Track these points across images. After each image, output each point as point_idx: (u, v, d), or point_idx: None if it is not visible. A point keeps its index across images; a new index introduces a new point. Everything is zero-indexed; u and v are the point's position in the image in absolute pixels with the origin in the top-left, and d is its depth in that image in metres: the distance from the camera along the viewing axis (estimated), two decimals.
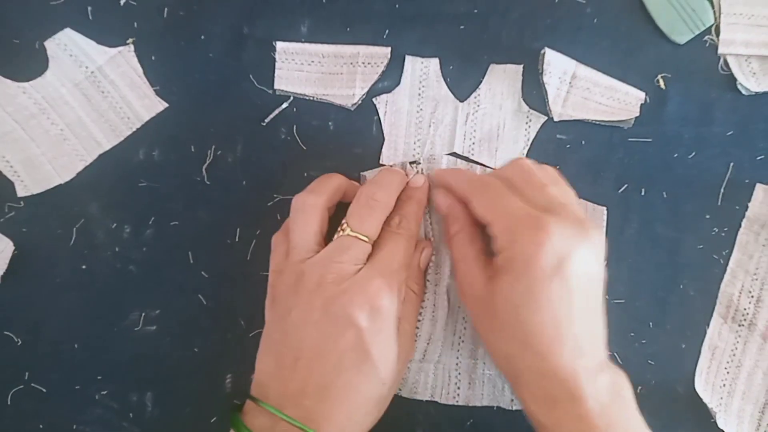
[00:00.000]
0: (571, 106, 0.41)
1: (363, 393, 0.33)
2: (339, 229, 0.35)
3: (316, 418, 0.31)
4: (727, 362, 0.40)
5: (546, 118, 0.40)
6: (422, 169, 0.40)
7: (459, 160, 0.40)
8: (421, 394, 0.40)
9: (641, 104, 0.40)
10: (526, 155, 0.40)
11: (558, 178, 0.36)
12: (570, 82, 0.40)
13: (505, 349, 0.33)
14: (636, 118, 0.40)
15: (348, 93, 0.40)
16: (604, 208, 0.40)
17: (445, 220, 0.38)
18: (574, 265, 0.31)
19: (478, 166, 0.40)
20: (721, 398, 0.39)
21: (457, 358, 0.39)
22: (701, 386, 0.39)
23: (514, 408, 0.39)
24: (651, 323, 0.40)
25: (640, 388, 0.39)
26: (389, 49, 0.40)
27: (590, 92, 0.41)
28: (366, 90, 0.40)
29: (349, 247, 0.34)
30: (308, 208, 0.35)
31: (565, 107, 0.40)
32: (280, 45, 0.40)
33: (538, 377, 0.32)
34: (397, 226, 0.36)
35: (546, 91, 0.40)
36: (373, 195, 0.35)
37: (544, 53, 0.40)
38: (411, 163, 0.40)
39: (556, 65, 0.40)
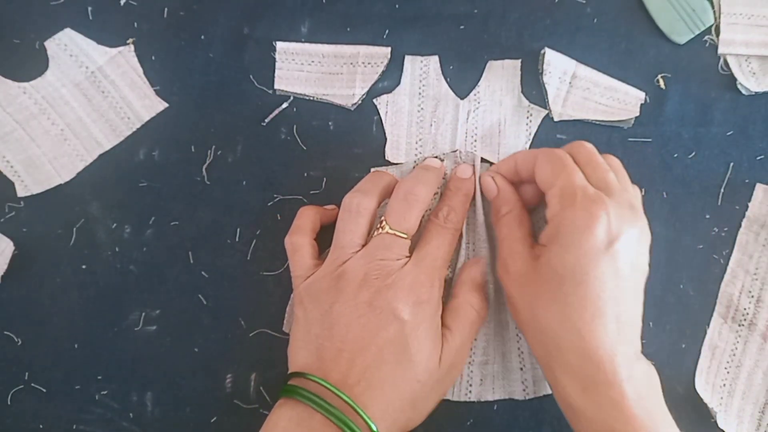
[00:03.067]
0: (571, 106, 0.41)
1: (398, 388, 0.33)
2: (378, 226, 0.35)
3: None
4: (727, 362, 0.40)
5: (547, 111, 0.40)
6: (461, 154, 0.39)
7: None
8: None
9: (641, 104, 0.40)
10: None
11: (620, 167, 0.36)
12: (570, 82, 0.40)
13: (545, 325, 0.33)
14: (636, 118, 0.40)
15: (348, 93, 0.40)
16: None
17: (494, 202, 0.38)
18: (624, 245, 0.31)
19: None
20: (721, 398, 0.39)
21: (471, 357, 0.39)
22: (701, 386, 0.39)
23: (527, 398, 0.39)
24: (651, 323, 0.40)
25: None
26: (389, 49, 0.41)
27: (590, 92, 0.41)
28: (366, 90, 0.40)
29: (390, 246, 0.34)
30: (362, 211, 0.35)
31: (565, 107, 0.41)
32: (280, 45, 0.41)
33: (577, 357, 0.31)
34: (445, 219, 0.36)
35: (546, 91, 0.40)
36: (412, 190, 0.35)
37: (544, 53, 0.40)
38: (435, 156, 0.40)
39: (556, 65, 0.40)
